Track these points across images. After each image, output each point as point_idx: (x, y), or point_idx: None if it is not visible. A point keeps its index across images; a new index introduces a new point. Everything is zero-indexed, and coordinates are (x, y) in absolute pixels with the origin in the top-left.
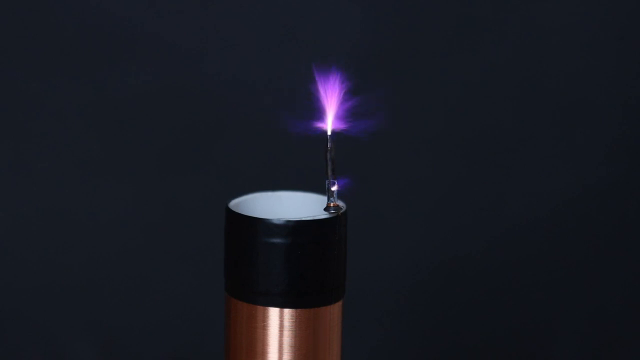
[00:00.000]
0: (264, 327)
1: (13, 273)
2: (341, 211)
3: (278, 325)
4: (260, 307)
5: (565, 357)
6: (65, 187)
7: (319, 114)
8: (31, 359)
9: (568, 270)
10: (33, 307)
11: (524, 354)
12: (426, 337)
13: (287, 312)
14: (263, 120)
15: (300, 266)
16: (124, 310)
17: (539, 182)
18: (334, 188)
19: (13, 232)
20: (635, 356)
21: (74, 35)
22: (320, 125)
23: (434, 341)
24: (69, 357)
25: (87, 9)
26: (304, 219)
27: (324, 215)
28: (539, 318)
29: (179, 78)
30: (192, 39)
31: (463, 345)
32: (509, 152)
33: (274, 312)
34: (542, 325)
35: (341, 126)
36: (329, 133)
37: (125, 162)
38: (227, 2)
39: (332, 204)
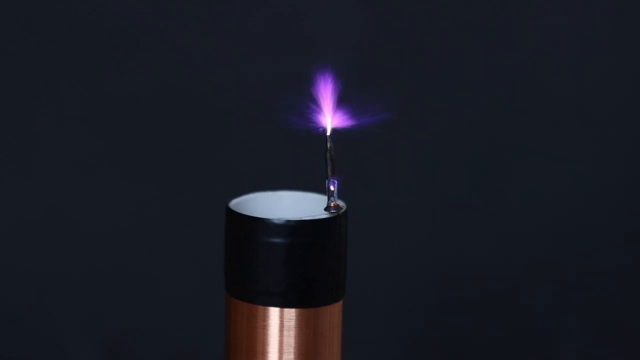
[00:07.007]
0: (264, 327)
1: (14, 273)
2: (341, 211)
3: (278, 325)
4: (260, 307)
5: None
6: (66, 188)
7: (319, 113)
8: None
9: (569, 271)
10: (34, 308)
11: (525, 354)
12: (426, 337)
13: (287, 312)
14: (263, 120)
15: (300, 266)
16: (124, 310)
17: (541, 183)
18: (334, 188)
19: (14, 232)
20: (636, 358)
21: (75, 36)
22: (320, 125)
23: (434, 341)
24: (69, 358)
25: (88, 9)
26: (304, 219)
27: (324, 215)
28: (540, 319)
29: (179, 78)
30: (193, 40)
31: (463, 346)
32: (511, 153)
33: (274, 312)
34: (543, 326)
35: (341, 125)
36: (329, 133)
37: (126, 162)
38: (228, 2)
39: (332, 204)
